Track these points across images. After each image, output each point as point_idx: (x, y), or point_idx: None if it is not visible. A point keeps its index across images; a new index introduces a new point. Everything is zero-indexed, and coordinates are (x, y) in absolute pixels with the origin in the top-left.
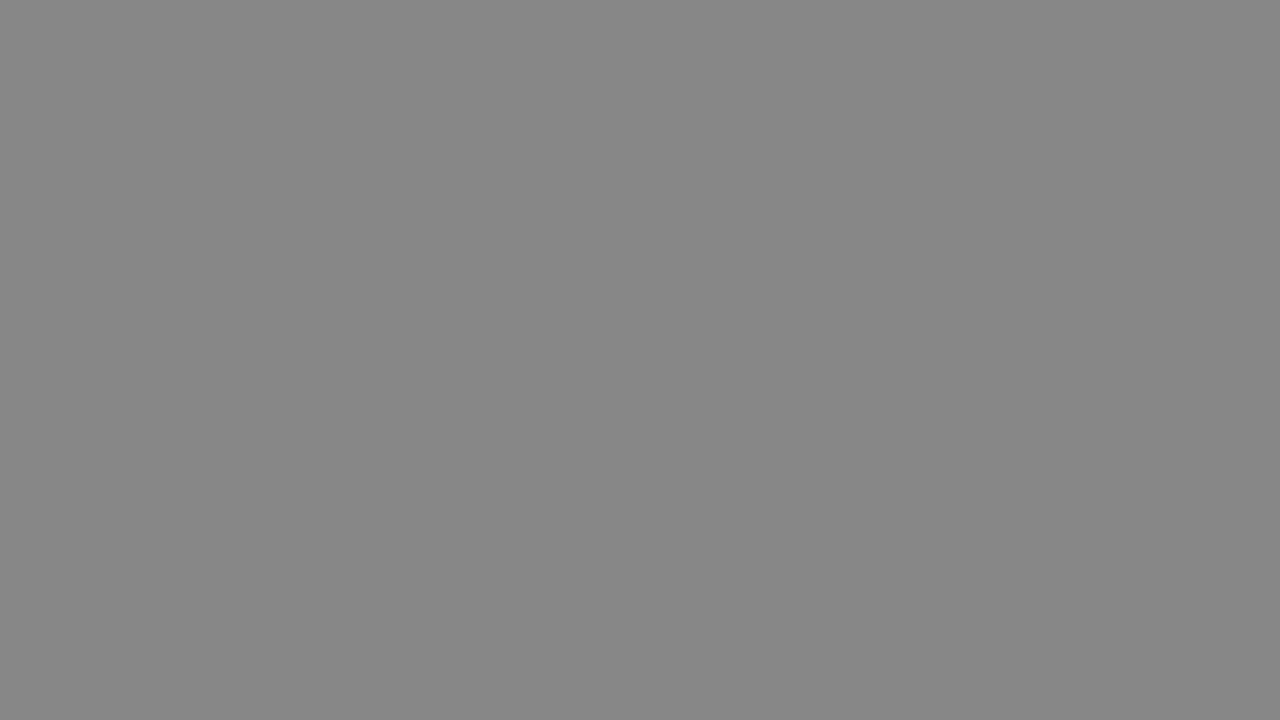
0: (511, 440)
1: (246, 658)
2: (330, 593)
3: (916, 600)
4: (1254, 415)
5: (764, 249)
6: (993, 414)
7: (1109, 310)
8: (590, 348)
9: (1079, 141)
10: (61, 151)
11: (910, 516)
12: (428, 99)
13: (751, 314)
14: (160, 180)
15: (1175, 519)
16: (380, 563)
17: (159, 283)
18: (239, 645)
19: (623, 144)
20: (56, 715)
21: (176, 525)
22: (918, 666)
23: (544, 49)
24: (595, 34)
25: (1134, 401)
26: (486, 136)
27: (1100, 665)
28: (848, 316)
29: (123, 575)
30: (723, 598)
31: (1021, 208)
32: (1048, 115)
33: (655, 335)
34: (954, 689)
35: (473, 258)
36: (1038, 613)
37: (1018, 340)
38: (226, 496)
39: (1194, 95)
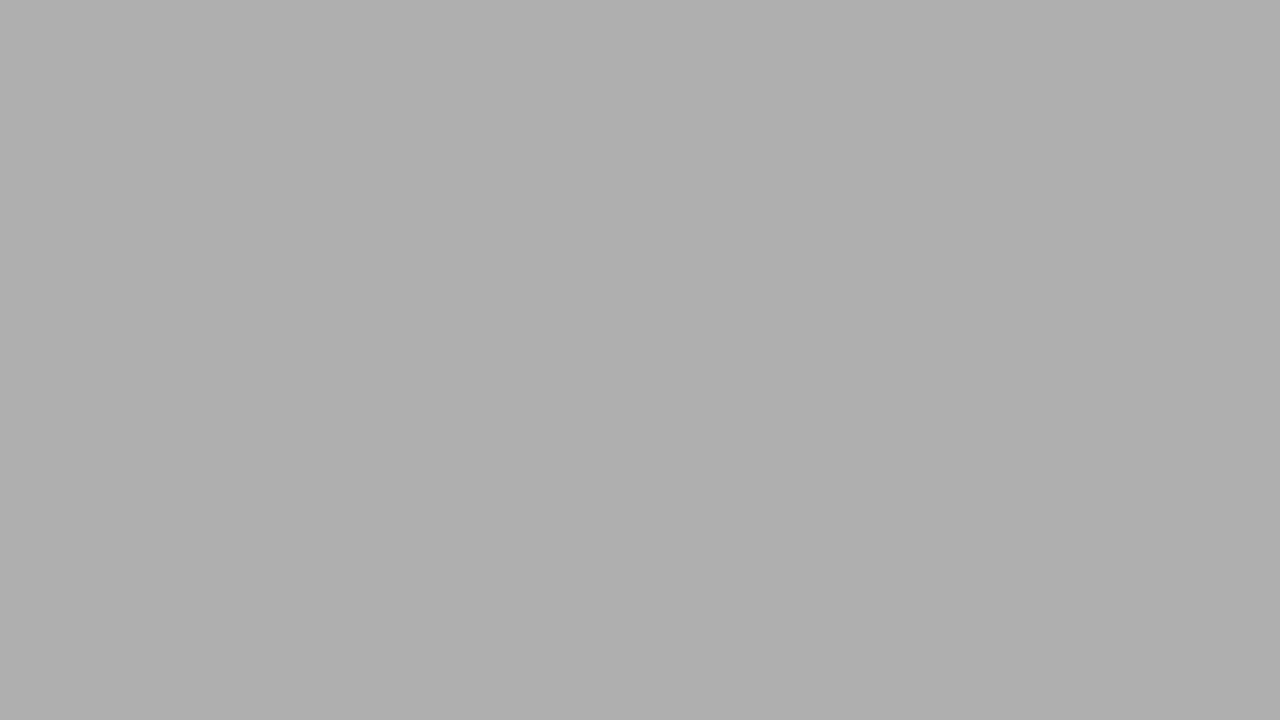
0: (511, 442)
1: (247, 657)
2: (330, 593)
3: (917, 601)
4: (1254, 415)
5: (764, 250)
6: (992, 415)
7: (1109, 310)
8: (590, 349)
9: (1079, 141)
10: (61, 151)
11: (910, 517)
12: (428, 99)
13: (751, 316)
14: (161, 180)
15: (1175, 519)
16: (380, 563)
17: (159, 283)
18: (239, 645)
19: (623, 144)
20: (56, 715)
21: (177, 525)
22: (918, 666)
23: (544, 49)
24: (595, 34)
25: (1134, 402)
26: (486, 136)
27: (1100, 665)
28: (847, 318)
29: (123, 575)
30: (723, 598)
31: (1021, 208)
32: (1048, 115)
33: (655, 337)
34: (954, 689)
35: (473, 259)
36: (1038, 613)
37: (1017, 341)
38: (227, 497)
39: (1194, 95)
